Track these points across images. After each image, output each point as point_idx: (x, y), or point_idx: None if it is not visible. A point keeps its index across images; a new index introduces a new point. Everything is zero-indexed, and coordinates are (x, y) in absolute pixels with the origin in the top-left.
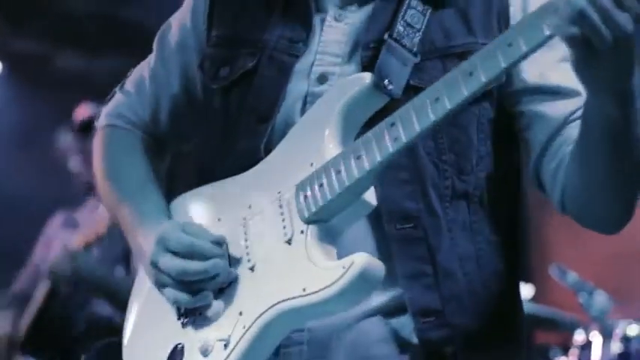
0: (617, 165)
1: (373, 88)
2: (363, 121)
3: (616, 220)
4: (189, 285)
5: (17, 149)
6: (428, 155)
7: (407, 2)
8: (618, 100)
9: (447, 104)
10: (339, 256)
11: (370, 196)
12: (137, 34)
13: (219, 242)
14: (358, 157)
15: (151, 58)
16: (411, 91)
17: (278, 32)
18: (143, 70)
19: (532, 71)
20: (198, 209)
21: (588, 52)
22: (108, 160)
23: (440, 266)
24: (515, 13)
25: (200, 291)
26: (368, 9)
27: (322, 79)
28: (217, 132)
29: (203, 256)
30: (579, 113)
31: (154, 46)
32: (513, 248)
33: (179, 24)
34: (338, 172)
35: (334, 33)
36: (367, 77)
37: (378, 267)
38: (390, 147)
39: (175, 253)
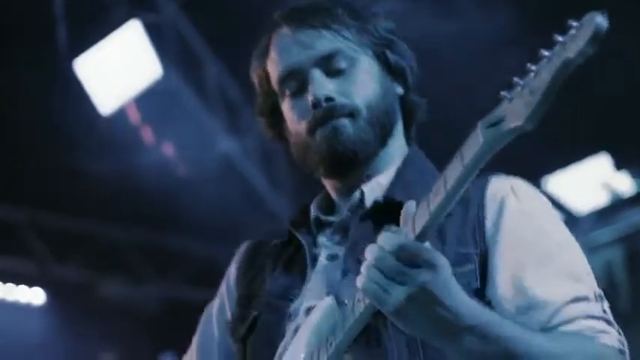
0: None
1: (336, 308)
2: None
3: None
4: None
5: None
6: None
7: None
8: (452, 338)
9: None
10: None
11: None
12: (180, 262)
13: None
14: None
15: (199, 331)
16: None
17: (277, 282)
18: (195, 343)
19: (504, 280)
20: None
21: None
22: None
23: None
24: (490, 223)
25: None
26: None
27: (309, 311)
28: None
29: None
30: (557, 319)
31: (201, 319)
32: None
33: (219, 296)
34: None
35: (323, 271)
36: (330, 300)
37: None
38: (327, 354)
39: None
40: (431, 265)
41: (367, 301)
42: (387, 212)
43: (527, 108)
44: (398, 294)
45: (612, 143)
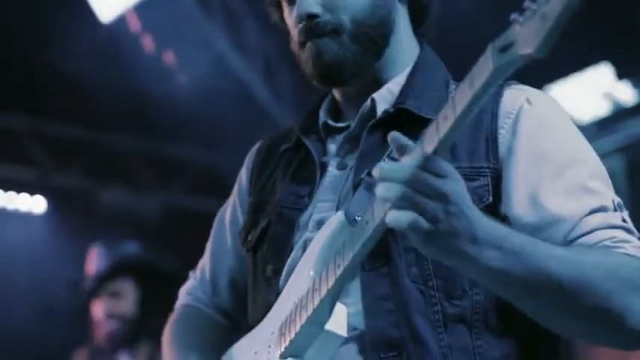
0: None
1: (347, 224)
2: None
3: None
4: None
5: (60, 284)
6: (413, 283)
7: None
8: (473, 256)
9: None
10: None
11: (338, 328)
12: (180, 170)
13: None
14: (315, 289)
15: (212, 237)
16: None
17: (287, 190)
18: (207, 250)
19: (521, 196)
20: None
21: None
22: (171, 332)
23: None
24: (505, 137)
25: None
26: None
27: (319, 224)
28: (250, 290)
29: None
30: (577, 232)
31: (214, 225)
32: None
33: (232, 201)
34: (302, 307)
35: (332, 180)
36: (340, 215)
37: None
38: (335, 274)
39: None
40: (454, 176)
41: (379, 219)
42: (398, 122)
43: (537, 35)
44: (434, 209)
45: (614, 52)
